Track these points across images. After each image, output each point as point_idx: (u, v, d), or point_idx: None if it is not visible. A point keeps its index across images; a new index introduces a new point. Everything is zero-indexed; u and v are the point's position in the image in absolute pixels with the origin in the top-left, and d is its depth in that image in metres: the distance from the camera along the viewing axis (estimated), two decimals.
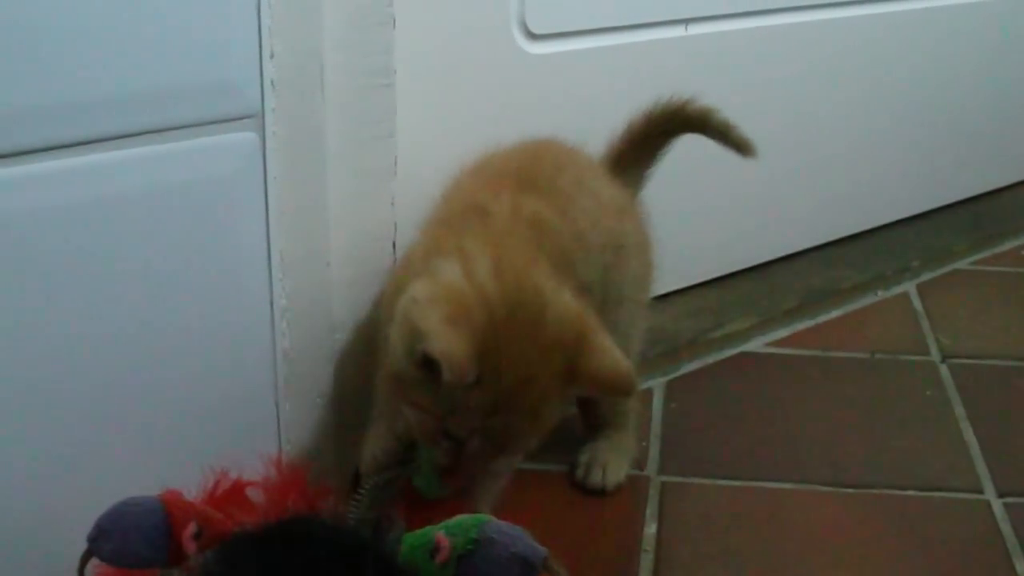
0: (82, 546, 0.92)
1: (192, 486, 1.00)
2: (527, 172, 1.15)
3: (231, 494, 1.03)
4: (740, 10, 1.63)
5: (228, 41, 1.00)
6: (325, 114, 1.10)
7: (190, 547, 0.89)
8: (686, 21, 1.55)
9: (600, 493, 1.28)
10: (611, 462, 1.29)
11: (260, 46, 1.02)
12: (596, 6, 1.47)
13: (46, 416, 0.98)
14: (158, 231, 1.00)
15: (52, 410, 0.98)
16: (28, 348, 0.95)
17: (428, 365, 0.95)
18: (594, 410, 1.32)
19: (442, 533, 0.90)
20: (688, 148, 1.35)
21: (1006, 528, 1.23)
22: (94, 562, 0.92)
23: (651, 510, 1.25)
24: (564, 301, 1.01)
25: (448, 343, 0.92)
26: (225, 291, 1.06)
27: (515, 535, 0.90)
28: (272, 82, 1.04)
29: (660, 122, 1.33)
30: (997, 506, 1.27)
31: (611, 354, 1.01)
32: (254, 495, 1.05)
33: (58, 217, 0.95)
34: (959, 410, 1.47)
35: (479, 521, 0.91)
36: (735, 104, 1.31)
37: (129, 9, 0.94)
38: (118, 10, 0.93)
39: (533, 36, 1.42)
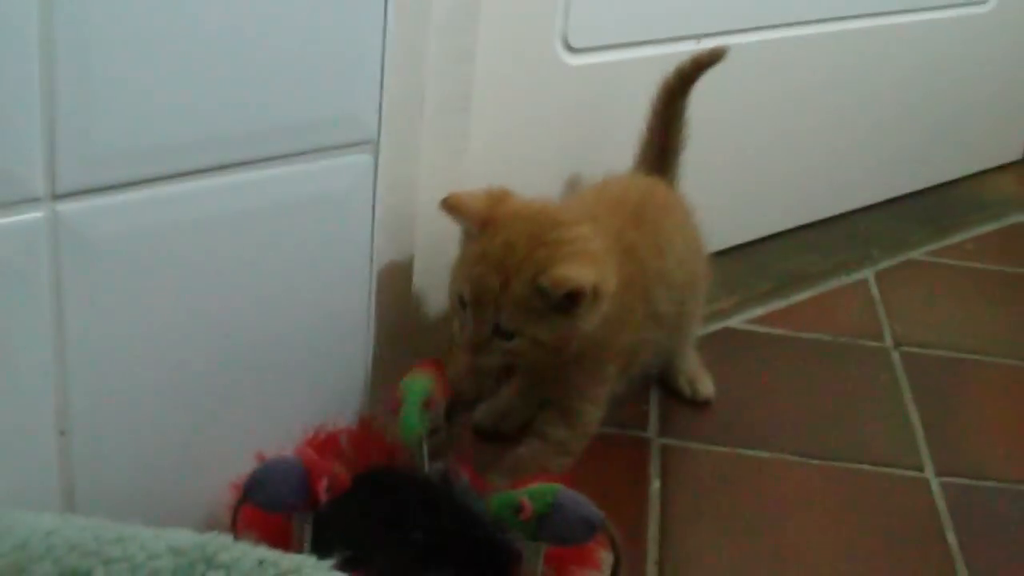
0: (221, 492, 1.13)
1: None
2: (640, 208, 1.43)
3: (327, 444, 1.22)
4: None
5: (355, 80, 1.16)
6: (421, 135, 1.29)
7: (324, 497, 1.07)
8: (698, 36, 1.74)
9: None
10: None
11: (382, 83, 1.18)
12: (626, 24, 1.67)
13: (191, 387, 1.15)
14: (285, 239, 1.16)
15: (196, 376, 1.15)
16: (180, 332, 1.12)
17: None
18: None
19: (525, 497, 1.09)
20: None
21: (941, 504, 1.40)
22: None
23: (654, 468, 1.44)
24: (574, 228, 1.30)
25: (456, 193, 1.30)
26: (337, 287, 1.25)
27: (582, 501, 1.10)
28: (386, 111, 1.20)
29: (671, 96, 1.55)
30: (935, 484, 1.44)
31: (570, 270, 1.24)
32: (344, 444, 1.24)
33: (209, 226, 1.10)
34: (907, 395, 1.65)
35: (554, 489, 1.10)
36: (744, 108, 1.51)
37: (274, 57, 1.08)
38: (266, 60, 1.08)
39: (573, 50, 1.61)
